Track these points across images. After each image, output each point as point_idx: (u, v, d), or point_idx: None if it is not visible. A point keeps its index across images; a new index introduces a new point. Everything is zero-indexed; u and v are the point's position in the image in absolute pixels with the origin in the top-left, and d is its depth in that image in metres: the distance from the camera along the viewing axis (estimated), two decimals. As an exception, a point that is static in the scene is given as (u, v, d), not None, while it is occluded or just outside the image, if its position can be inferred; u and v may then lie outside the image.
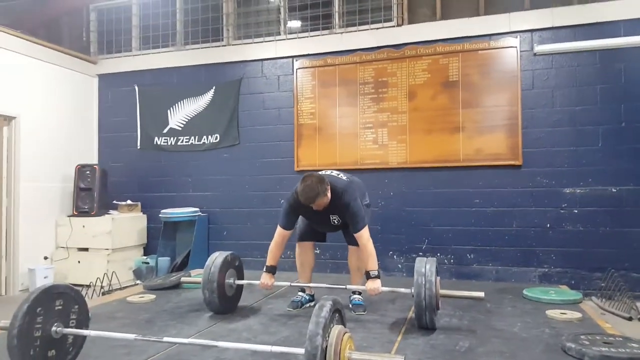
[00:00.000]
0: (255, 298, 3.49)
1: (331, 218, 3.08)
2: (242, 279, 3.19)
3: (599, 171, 4.36)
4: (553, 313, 2.93)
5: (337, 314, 1.94)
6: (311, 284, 3.26)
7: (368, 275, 2.90)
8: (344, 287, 3.02)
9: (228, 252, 3.08)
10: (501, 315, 3.01)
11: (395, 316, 2.98)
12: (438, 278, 2.67)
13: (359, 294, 3.18)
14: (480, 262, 4.62)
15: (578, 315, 2.89)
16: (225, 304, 3.02)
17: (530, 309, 3.13)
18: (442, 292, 2.66)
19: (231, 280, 3.06)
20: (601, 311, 3.77)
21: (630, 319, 3.56)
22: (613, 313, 3.73)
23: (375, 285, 2.84)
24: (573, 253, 4.39)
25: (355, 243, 3.04)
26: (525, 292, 3.51)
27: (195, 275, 3.66)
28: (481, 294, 2.71)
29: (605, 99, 4.37)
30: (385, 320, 2.89)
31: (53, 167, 5.39)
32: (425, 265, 2.65)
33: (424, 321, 2.62)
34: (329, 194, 2.90)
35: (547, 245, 4.46)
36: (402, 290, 2.81)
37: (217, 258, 3.00)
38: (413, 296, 2.64)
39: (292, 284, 3.21)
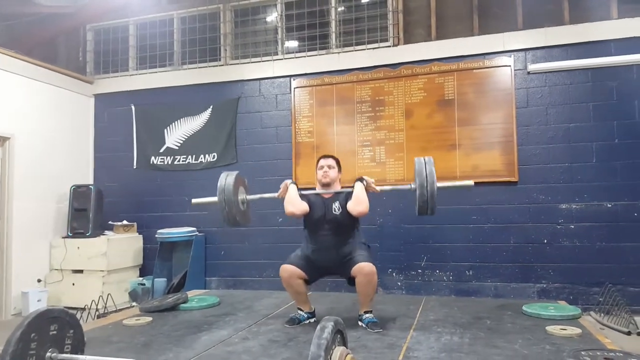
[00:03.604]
0: (254, 319, 3.46)
1: (333, 206, 3.18)
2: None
3: (594, 187, 4.40)
4: (553, 329, 2.92)
5: (339, 335, 1.92)
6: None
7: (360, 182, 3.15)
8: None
9: (235, 172, 3.20)
10: (502, 332, 2.99)
11: (396, 335, 2.95)
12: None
13: (371, 312, 3.17)
14: (479, 278, 4.61)
15: (578, 331, 2.89)
16: (241, 216, 3.17)
17: (530, 325, 3.13)
18: (438, 183, 2.89)
19: (243, 196, 3.23)
20: (600, 326, 3.76)
21: (629, 333, 3.56)
22: (612, 328, 3.73)
23: (366, 181, 3.15)
24: (571, 268, 4.40)
25: (354, 265, 3.03)
26: (524, 308, 3.51)
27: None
28: (471, 183, 3.14)
29: (598, 116, 4.44)
30: (387, 339, 2.86)
31: (47, 188, 5.35)
32: (424, 161, 2.90)
33: (426, 209, 2.86)
34: (339, 173, 3.33)
35: (545, 260, 4.47)
36: (402, 187, 3.18)
37: (227, 179, 3.13)
38: (413, 189, 2.89)
39: (317, 192, 3.27)
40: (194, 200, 3.44)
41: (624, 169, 4.34)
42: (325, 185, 3.25)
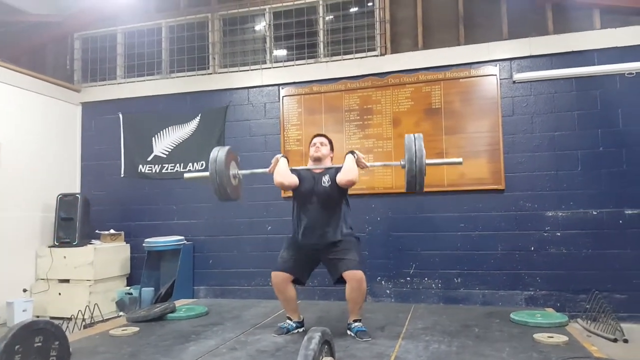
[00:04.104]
0: (242, 328, 3.44)
1: (323, 179, 3.23)
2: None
3: (579, 194, 4.46)
4: (540, 337, 2.94)
5: (326, 346, 1.92)
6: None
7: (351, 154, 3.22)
8: None
9: (227, 147, 3.24)
10: (489, 340, 3.01)
11: (384, 344, 2.95)
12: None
13: (360, 320, 3.17)
14: (467, 286, 4.63)
15: (565, 338, 2.91)
16: (232, 190, 3.20)
17: (518, 333, 3.15)
18: (427, 160, 2.95)
19: (235, 171, 3.28)
20: (587, 333, 3.80)
21: (615, 340, 3.59)
22: (598, 335, 3.76)
23: (357, 155, 3.22)
24: (557, 275, 4.44)
25: (345, 270, 3.04)
26: (512, 315, 3.53)
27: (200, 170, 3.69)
28: (459, 160, 3.18)
29: (583, 124, 4.51)
30: (375, 348, 2.86)
31: (34, 197, 5.28)
32: (414, 137, 2.96)
33: (414, 185, 2.91)
34: (331, 152, 3.39)
35: (532, 268, 4.50)
36: (392, 163, 3.42)
37: (219, 152, 3.16)
38: (403, 165, 2.94)
39: (308, 168, 3.34)
40: (186, 175, 3.55)
41: (608, 177, 4.40)
42: (317, 160, 3.32)
